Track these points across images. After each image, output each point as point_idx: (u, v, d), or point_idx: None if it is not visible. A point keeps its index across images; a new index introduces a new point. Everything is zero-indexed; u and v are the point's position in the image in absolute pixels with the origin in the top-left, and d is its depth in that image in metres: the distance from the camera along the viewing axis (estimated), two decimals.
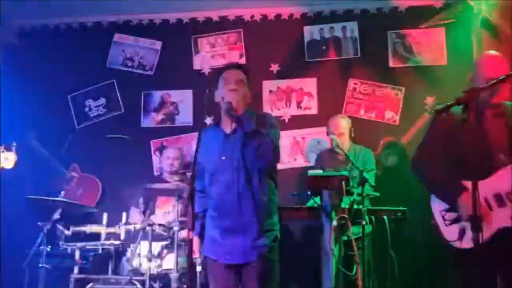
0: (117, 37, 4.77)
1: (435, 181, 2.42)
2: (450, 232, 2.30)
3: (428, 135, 2.49)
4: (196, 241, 2.44)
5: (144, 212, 3.31)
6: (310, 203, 3.49)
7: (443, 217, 2.34)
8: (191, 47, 4.68)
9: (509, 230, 2.19)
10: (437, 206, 2.39)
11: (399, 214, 3.35)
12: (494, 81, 2.11)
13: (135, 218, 3.69)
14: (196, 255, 2.41)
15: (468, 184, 2.21)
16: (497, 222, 2.22)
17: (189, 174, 2.10)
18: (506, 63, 2.34)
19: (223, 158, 2.35)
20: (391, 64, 4.44)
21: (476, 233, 1.89)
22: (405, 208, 3.34)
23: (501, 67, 2.31)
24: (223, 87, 2.37)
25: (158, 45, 4.72)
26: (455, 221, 2.29)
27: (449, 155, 2.37)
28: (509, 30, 4.10)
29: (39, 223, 3.43)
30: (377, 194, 3.59)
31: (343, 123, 3.82)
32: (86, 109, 4.72)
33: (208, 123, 2.52)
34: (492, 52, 2.47)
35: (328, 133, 3.86)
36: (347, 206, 3.17)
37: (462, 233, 2.25)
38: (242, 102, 2.30)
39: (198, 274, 3.06)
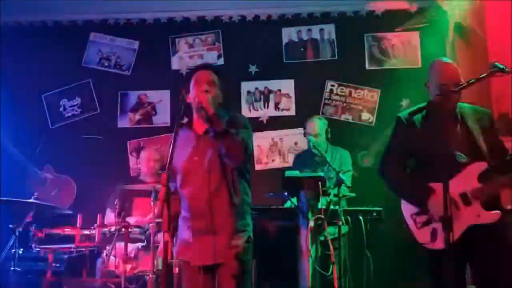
0: (93, 36, 4.70)
1: (403, 187, 2.48)
2: (422, 235, 2.36)
3: (391, 142, 2.55)
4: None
5: (119, 214, 3.26)
6: (287, 204, 3.51)
7: (414, 220, 2.40)
8: (168, 48, 4.66)
9: (477, 228, 2.26)
10: (408, 210, 2.44)
11: (374, 214, 3.40)
12: (462, 85, 2.18)
13: (110, 219, 3.63)
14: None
15: (436, 186, 2.28)
16: (465, 220, 2.29)
17: (164, 174, 2.05)
18: (457, 69, 2.43)
19: (195, 158, 2.34)
20: (368, 66, 4.51)
21: (447, 233, 1.92)
22: (381, 209, 3.39)
23: (453, 73, 2.40)
24: (194, 88, 2.37)
25: (135, 44, 4.68)
26: (426, 223, 2.35)
27: (413, 160, 2.45)
28: (481, 34, 4.22)
29: (10, 225, 3.35)
30: (353, 194, 3.63)
31: (319, 124, 3.86)
32: (61, 109, 4.64)
33: (183, 123, 2.50)
34: (444, 59, 2.57)
35: (305, 134, 3.89)
36: (323, 207, 3.20)
37: (434, 234, 2.30)
38: (213, 103, 2.30)
39: (174, 275, 3.05)
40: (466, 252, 2.27)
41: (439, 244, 2.27)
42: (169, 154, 2.12)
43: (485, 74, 2.27)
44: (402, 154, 2.48)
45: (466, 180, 2.29)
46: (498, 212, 2.25)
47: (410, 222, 2.41)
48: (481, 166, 2.29)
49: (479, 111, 2.48)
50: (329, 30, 4.56)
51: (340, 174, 3.27)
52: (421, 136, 2.34)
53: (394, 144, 2.52)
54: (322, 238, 3.42)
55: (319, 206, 3.20)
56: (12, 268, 3.28)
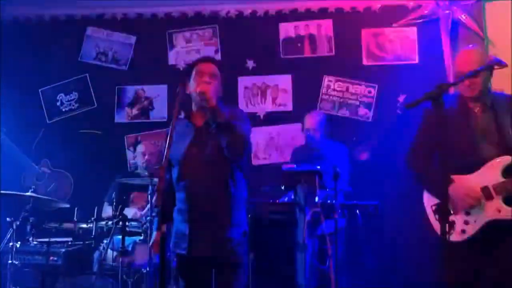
0: (90, 30, 4.69)
1: (425, 177, 2.46)
2: (440, 225, 2.25)
3: (417, 132, 2.53)
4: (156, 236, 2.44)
5: (116, 207, 3.27)
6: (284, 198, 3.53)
7: (433, 211, 2.39)
8: (166, 42, 4.65)
9: (497, 222, 2.23)
10: (429, 201, 2.44)
11: (371, 208, 3.41)
12: (463, 76, 2.18)
13: (107, 213, 3.64)
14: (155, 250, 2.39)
15: (458, 178, 2.29)
16: (485, 215, 2.27)
17: (161, 166, 2.06)
18: (475, 56, 2.36)
19: (194, 150, 2.35)
20: (365, 62, 4.52)
21: (443, 226, 1.91)
22: (377, 203, 3.41)
23: (467, 60, 2.36)
24: (196, 79, 2.37)
25: (132, 39, 4.67)
26: (445, 214, 2.29)
27: (438, 150, 2.36)
28: (479, 30, 4.24)
29: (8, 219, 3.35)
30: (350, 189, 3.65)
31: (318, 119, 3.87)
32: (58, 103, 4.63)
33: (180, 117, 2.50)
34: (468, 47, 2.53)
35: (303, 129, 3.90)
36: (320, 201, 3.22)
37: (451, 227, 2.29)
38: (215, 95, 2.30)
39: (171, 269, 3.06)
40: (485, 247, 2.25)
41: (456, 237, 2.28)
42: (166, 146, 2.12)
43: (483, 67, 2.27)
44: (427, 145, 2.44)
45: (489, 173, 2.26)
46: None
47: (429, 211, 2.41)
48: (506, 160, 2.24)
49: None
50: (327, 26, 4.56)
51: (338, 169, 3.28)
52: (446, 127, 2.24)
53: (420, 135, 2.50)
54: (319, 232, 3.44)
55: (316, 200, 3.22)
56: (10, 261, 3.29)
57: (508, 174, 2.24)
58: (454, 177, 2.31)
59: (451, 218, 2.30)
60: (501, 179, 2.24)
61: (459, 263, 2.26)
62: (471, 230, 2.28)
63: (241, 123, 2.33)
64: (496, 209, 2.23)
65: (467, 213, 2.31)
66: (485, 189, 2.26)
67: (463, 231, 2.29)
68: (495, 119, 2.32)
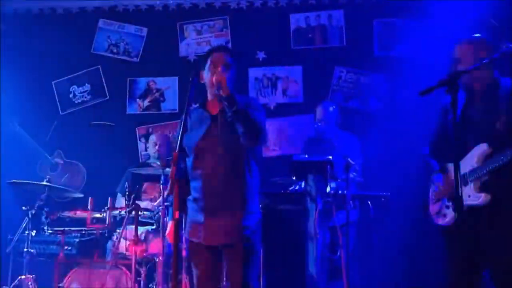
0: (102, 23, 4.72)
1: (428, 166, 2.60)
2: (433, 209, 2.52)
3: (436, 126, 2.64)
4: (169, 224, 2.45)
5: (129, 197, 3.30)
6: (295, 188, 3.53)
7: (432, 195, 2.54)
8: (177, 34, 4.66)
9: (472, 208, 2.28)
10: (432, 187, 2.57)
11: (382, 199, 3.41)
12: (477, 64, 2.16)
13: (120, 203, 3.68)
14: (170, 239, 2.42)
15: (450, 166, 2.39)
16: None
17: (175, 155, 2.07)
18: (467, 48, 2.40)
19: (209, 139, 2.36)
20: (377, 52, 4.49)
21: (455, 212, 1.96)
22: (388, 194, 3.40)
23: (458, 53, 2.42)
24: (211, 69, 2.38)
25: (143, 31, 4.69)
26: (438, 199, 2.49)
27: (443, 139, 2.53)
28: (494, 22, 4.17)
29: (23, 208, 3.40)
30: (362, 180, 3.65)
31: (330, 110, 3.86)
32: (71, 95, 4.68)
33: (194, 107, 2.52)
34: (476, 35, 2.51)
35: (315, 120, 3.89)
36: (332, 191, 3.22)
37: (440, 210, 2.45)
38: (230, 84, 2.31)
39: (183, 258, 3.10)
40: (473, 232, 2.28)
41: (443, 221, 2.43)
42: (179, 134, 2.14)
43: (497, 54, 2.24)
44: (437, 137, 2.58)
45: (469, 161, 2.34)
46: (487, 195, 2.24)
47: (430, 197, 2.56)
48: (482, 147, 2.30)
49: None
50: (338, 16, 4.53)
51: (350, 160, 3.28)
52: (447, 119, 2.42)
53: (436, 125, 2.61)
54: (330, 224, 3.45)
55: (328, 190, 3.22)
56: (26, 250, 3.35)
57: (483, 160, 2.30)
58: (449, 165, 2.43)
59: (442, 202, 2.46)
60: (475, 166, 2.31)
61: (453, 244, 2.39)
62: (449, 214, 2.40)
63: (256, 111, 2.34)
64: (467, 195, 2.31)
65: (449, 199, 2.42)
66: (464, 176, 2.35)
67: (445, 215, 2.43)
68: (490, 108, 2.34)
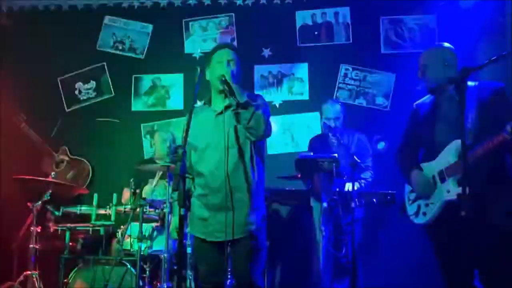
0: (107, 19, 4.72)
1: (402, 167, 2.71)
2: (410, 209, 2.61)
3: (405, 131, 2.77)
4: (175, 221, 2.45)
5: (134, 194, 3.30)
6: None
7: (408, 197, 2.65)
8: (182, 31, 4.65)
9: (452, 203, 2.33)
10: (407, 188, 2.70)
11: (389, 197, 3.39)
12: (487, 61, 2.15)
13: (125, 199, 3.68)
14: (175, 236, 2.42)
15: (423, 165, 2.53)
16: (440, 197, 2.42)
17: (180, 151, 2.07)
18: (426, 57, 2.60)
19: (214, 135, 2.36)
20: (383, 50, 4.45)
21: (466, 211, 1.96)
22: (395, 192, 3.38)
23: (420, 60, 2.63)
24: (216, 64, 2.38)
25: (149, 28, 4.68)
26: (415, 200, 2.58)
27: (414, 141, 2.67)
28: (500, 18, 4.13)
29: (29, 204, 3.41)
30: (367, 177, 3.63)
31: (337, 108, 3.84)
32: (76, 92, 4.68)
33: (199, 104, 2.52)
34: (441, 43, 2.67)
35: (321, 119, 3.87)
36: (337, 189, 3.20)
37: (418, 210, 2.54)
38: (235, 80, 2.31)
39: (187, 254, 3.09)
40: (450, 226, 2.31)
41: (421, 220, 2.51)
42: (185, 130, 2.13)
43: (503, 54, 2.24)
44: (408, 139, 2.70)
45: (445, 157, 2.40)
46: (466, 189, 2.23)
47: (405, 197, 2.68)
48: (457, 143, 2.34)
49: (484, 86, 2.47)
50: (344, 13, 4.50)
51: (357, 158, 3.26)
52: (420, 122, 2.59)
53: (407, 134, 2.75)
54: (336, 222, 3.43)
55: (333, 188, 3.21)
56: (31, 246, 3.36)
57: (459, 156, 2.33)
58: (423, 164, 2.55)
59: (419, 202, 2.54)
60: (452, 161, 2.36)
61: (438, 243, 2.47)
62: (430, 212, 2.46)
63: (261, 104, 2.34)
64: (446, 191, 2.37)
65: (428, 197, 2.48)
66: (440, 173, 2.43)
67: (424, 214, 2.49)
68: (459, 108, 2.32)
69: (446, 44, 2.64)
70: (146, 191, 3.71)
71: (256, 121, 2.24)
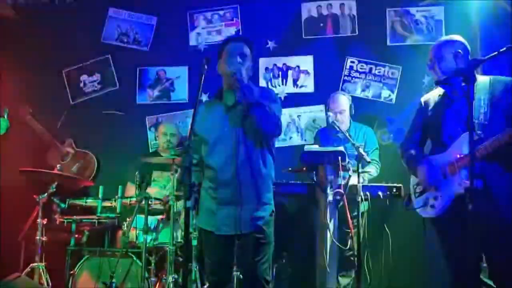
0: (111, 11, 4.70)
1: (407, 159, 2.72)
2: (417, 202, 2.61)
3: (413, 121, 2.78)
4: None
5: (140, 186, 3.31)
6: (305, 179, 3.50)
7: (414, 189, 2.65)
8: (186, 23, 4.63)
9: (461, 196, 2.31)
10: (412, 181, 2.71)
11: (394, 190, 3.38)
12: (495, 53, 2.13)
13: (131, 191, 3.69)
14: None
15: (434, 158, 2.53)
16: (451, 190, 2.42)
17: (186, 144, 2.06)
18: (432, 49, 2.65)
19: (225, 129, 2.35)
20: (389, 42, 4.42)
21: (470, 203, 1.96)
22: (400, 185, 3.37)
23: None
24: (227, 60, 2.35)
25: (153, 20, 4.66)
26: (422, 193, 2.59)
27: (421, 135, 2.70)
28: (508, 8, 4.08)
29: (35, 196, 3.42)
30: (372, 171, 3.62)
31: (343, 100, 3.81)
32: (81, 84, 4.67)
33: (204, 100, 2.51)
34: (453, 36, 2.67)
35: (328, 111, 3.85)
36: (343, 182, 3.19)
37: (426, 203, 2.54)
38: (246, 75, 2.30)
39: (193, 247, 3.10)
40: (459, 219, 2.28)
41: (429, 213, 2.51)
42: (191, 123, 2.13)
43: (504, 49, 2.22)
44: (415, 132, 2.72)
45: (456, 150, 2.40)
46: (480, 180, 2.27)
47: (412, 190, 2.68)
48: (465, 136, 2.31)
49: (497, 80, 2.47)
50: (350, 5, 4.46)
51: (364, 150, 3.26)
52: (428, 116, 2.60)
53: (413, 122, 2.76)
54: (342, 215, 3.42)
55: (339, 181, 3.19)
56: (38, 238, 3.38)
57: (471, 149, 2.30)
58: (431, 157, 2.55)
59: (427, 195, 2.54)
60: (463, 154, 2.36)
61: (446, 236, 2.48)
62: (439, 205, 2.45)
63: (272, 102, 2.32)
64: (458, 184, 2.36)
65: (436, 189, 2.48)
66: (451, 165, 2.42)
67: (433, 206, 2.48)
68: (469, 102, 2.34)
69: (458, 37, 2.61)
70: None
71: (267, 120, 2.23)
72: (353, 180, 3.12)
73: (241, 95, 2.25)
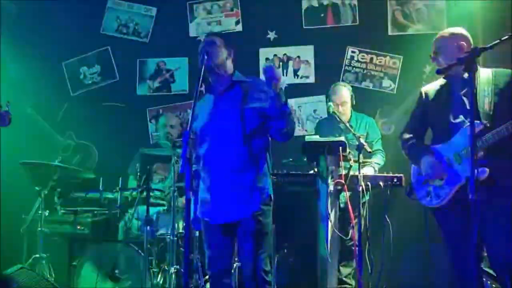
0: (111, 3, 4.67)
1: (409, 149, 2.70)
2: (420, 192, 2.60)
3: (413, 111, 2.74)
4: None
5: (140, 178, 3.31)
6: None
7: (416, 179, 2.64)
8: (186, 14, 4.60)
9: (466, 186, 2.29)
10: (415, 171, 2.68)
11: (395, 180, 3.37)
12: (497, 40, 2.11)
13: (132, 183, 3.69)
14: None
15: (434, 148, 2.53)
16: (457, 179, 2.42)
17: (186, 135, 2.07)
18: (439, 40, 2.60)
19: (218, 116, 2.36)
20: (390, 32, 4.39)
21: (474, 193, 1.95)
22: (401, 175, 3.36)
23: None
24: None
25: (153, 11, 4.64)
26: (424, 182, 2.58)
27: (423, 124, 2.68)
28: None
29: (36, 188, 3.43)
30: (378, 160, 3.62)
31: (345, 92, 3.80)
32: (81, 76, 4.67)
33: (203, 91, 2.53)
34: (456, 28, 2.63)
35: (329, 101, 3.83)
36: (343, 172, 3.19)
37: (429, 192, 2.53)
38: (219, 60, 2.31)
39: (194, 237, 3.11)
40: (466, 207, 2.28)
41: (434, 202, 2.50)
42: (190, 115, 2.13)
43: (506, 37, 2.20)
44: (416, 122, 2.70)
45: (461, 139, 2.40)
46: (484, 169, 2.27)
47: (414, 180, 2.67)
48: (475, 125, 2.27)
49: (500, 72, 2.46)
50: None
51: (374, 143, 3.26)
52: (430, 106, 2.59)
53: (413, 113, 2.74)
54: (342, 204, 3.42)
55: (340, 171, 3.19)
56: (39, 229, 3.39)
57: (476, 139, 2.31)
58: (434, 147, 2.53)
59: (429, 185, 2.53)
60: (468, 143, 2.32)
61: (448, 225, 2.48)
62: (444, 194, 2.45)
63: (264, 93, 2.32)
64: (464, 171, 2.37)
65: (440, 179, 2.48)
66: (457, 154, 2.42)
67: (438, 196, 2.48)
68: (472, 92, 2.37)
69: (462, 30, 2.59)
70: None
71: (291, 128, 2.36)
72: (365, 171, 3.12)
73: (274, 103, 2.27)
